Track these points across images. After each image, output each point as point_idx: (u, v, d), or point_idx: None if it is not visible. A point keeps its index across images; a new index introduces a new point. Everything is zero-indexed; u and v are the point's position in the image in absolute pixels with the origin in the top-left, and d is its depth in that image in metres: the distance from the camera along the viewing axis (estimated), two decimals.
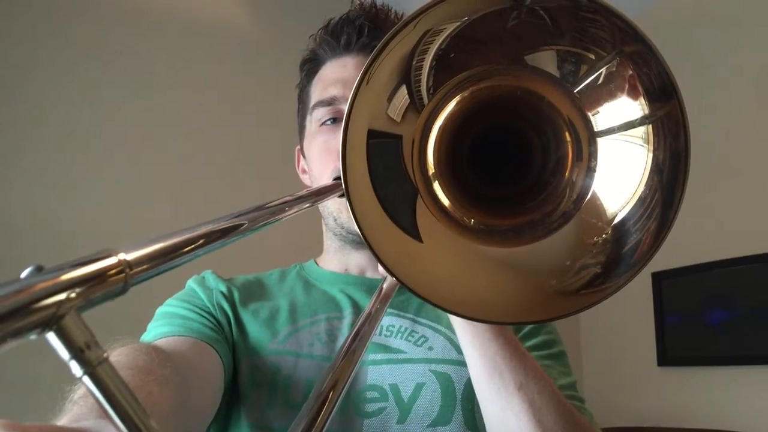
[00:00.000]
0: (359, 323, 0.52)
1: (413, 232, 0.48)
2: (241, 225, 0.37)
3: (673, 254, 2.22)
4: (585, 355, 2.67)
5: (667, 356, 2.38)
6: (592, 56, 0.44)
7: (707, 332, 2.26)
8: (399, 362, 0.67)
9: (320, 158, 0.73)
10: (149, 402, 0.42)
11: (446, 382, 0.66)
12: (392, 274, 0.43)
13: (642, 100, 0.42)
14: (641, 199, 0.43)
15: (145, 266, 0.23)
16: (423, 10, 0.40)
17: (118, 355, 0.47)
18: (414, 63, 0.44)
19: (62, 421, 0.34)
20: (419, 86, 0.45)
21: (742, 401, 2.10)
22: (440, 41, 0.43)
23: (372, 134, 0.43)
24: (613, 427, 2.29)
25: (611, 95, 0.44)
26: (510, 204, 0.52)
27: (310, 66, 0.78)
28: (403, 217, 0.47)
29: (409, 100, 0.45)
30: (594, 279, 0.44)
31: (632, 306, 2.38)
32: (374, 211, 0.44)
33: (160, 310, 0.69)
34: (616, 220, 0.44)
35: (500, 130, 0.54)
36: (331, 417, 0.41)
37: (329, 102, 0.72)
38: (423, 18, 0.40)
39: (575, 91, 0.46)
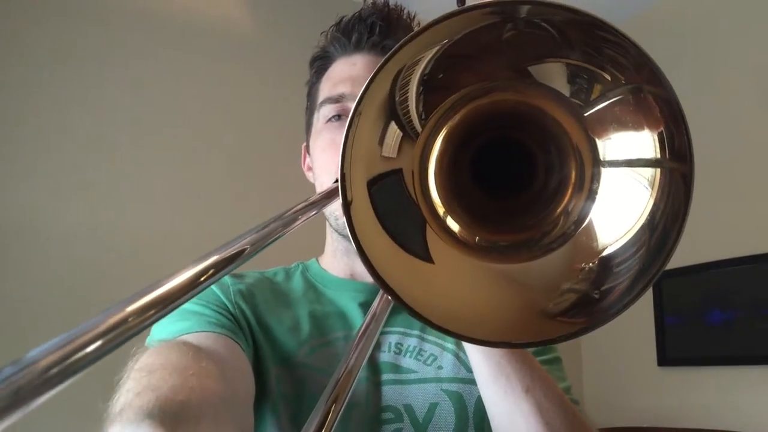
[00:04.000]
0: (366, 321, 0.51)
1: (425, 256, 0.46)
2: (243, 250, 0.36)
3: (673, 254, 2.21)
4: (585, 355, 2.67)
5: (667, 356, 2.38)
6: (608, 77, 0.40)
7: (707, 332, 2.26)
8: (411, 382, 0.67)
9: (324, 154, 0.73)
10: (192, 398, 0.40)
11: (458, 401, 0.66)
12: (388, 291, 0.42)
13: (656, 143, 0.40)
14: (632, 240, 0.42)
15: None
16: (386, 60, 0.38)
17: (148, 357, 0.46)
18: (397, 99, 0.42)
19: None
20: (409, 117, 0.44)
21: (742, 401, 2.10)
22: (422, 68, 0.41)
23: (371, 183, 0.42)
24: (613, 427, 2.29)
25: (624, 126, 0.42)
26: (512, 219, 0.51)
27: (320, 63, 0.78)
28: (416, 245, 0.46)
29: (402, 134, 0.44)
30: (572, 307, 0.44)
31: (632, 306, 2.38)
32: (385, 246, 0.43)
33: None
34: (604, 253, 0.44)
35: (503, 143, 0.52)
36: (341, 411, 0.41)
37: (337, 99, 0.72)
38: (388, 65, 0.38)
39: (586, 114, 0.43)
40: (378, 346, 0.70)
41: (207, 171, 2.08)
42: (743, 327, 2.16)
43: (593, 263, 0.44)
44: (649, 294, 2.41)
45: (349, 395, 0.44)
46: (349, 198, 0.40)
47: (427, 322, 0.41)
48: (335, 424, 0.39)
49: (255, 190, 2.06)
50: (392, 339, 0.71)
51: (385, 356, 0.69)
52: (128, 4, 2.05)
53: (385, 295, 0.56)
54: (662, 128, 0.39)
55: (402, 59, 0.39)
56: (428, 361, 0.69)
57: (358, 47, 0.73)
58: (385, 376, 0.67)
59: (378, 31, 0.72)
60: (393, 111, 0.42)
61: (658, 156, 0.40)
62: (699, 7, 2.48)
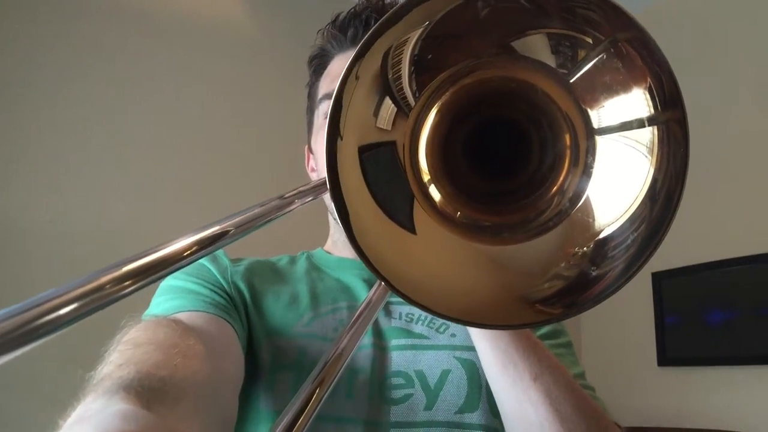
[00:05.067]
0: (362, 307, 0.51)
1: (408, 225, 0.46)
2: (227, 232, 0.36)
3: (673, 254, 2.21)
4: (585, 354, 2.66)
5: (667, 356, 2.37)
6: (590, 40, 0.40)
7: (707, 332, 2.25)
8: (423, 348, 0.66)
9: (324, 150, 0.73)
10: (175, 375, 0.39)
11: (471, 369, 0.65)
12: (387, 283, 0.42)
13: (647, 97, 0.39)
14: (630, 220, 0.41)
15: None
16: (371, 36, 0.38)
17: (136, 331, 0.46)
18: (390, 76, 0.42)
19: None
20: (403, 94, 0.44)
21: (742, 401, 2.10)
22: (411, 47, 0.41)
23: (363, 149, 0.42)
24: None
25: (611, 88, 0.41)
26: (507, 200, 0.51)
27: (318, 62, 0.78)
28: (399, 214, 0.46)
29: (396, 109, 0.44)
30: (559, 292, 0.43)
31: (632, 306, 2.37)
32: (369, 210, 0.43)
33: (165, 283, 0.64)
34: (602, 234, 0.42)
35: (496, 123, 0.52)
36: (335, 379, 0.41)
37: None
38: (379, 42, 0.39)
39: (572, 80, 0.43)
40: (388, 315, 0.70)
41: (206, 171, 2.08)
42: (743, 327, 2.15)
43: (588, 246, 0.43)
44: (649, 294, 2.41)
45: (337, 378, 0.44)
46: (340, 133, 0.40)
47: (389, 285, 0.41)
48: (322, 401, 0.39)
49: (255, 190, 2.06)
50: (402, 309, 0.70)
51: (395, 323, 0.69)
52: (129, 3, 2.06)
53: (383, 283, 0.56)
54: (648, 78, 0.38)
55: (388, 39, 0.40)
56: (440, 329, 0.68)
57: (354, 42, 0.74)
58: (395, 342, 0.67)
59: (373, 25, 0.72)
60: (387, 87, 0.42)
61: (651, 112, 0.39)
62: (698, 6, 2.48)
